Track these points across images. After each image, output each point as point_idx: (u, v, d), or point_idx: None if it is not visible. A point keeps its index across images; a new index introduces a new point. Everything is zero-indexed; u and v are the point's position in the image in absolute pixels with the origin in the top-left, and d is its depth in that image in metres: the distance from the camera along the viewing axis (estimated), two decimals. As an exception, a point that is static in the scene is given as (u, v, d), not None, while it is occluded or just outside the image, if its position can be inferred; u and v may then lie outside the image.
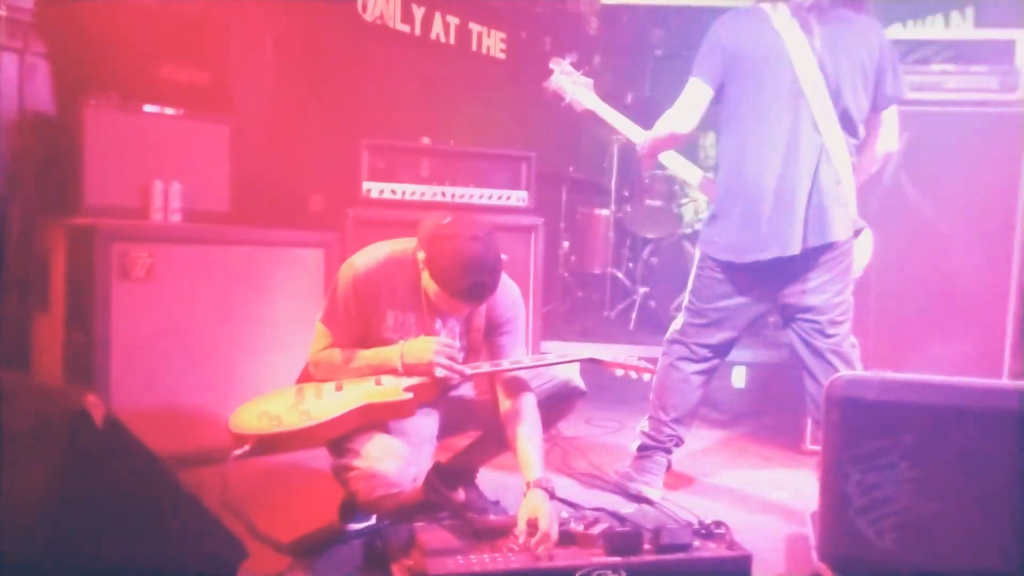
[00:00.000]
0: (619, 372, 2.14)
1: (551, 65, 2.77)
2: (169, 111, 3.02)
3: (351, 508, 2.10)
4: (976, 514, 1.73)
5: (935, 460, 1.74)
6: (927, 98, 2.99)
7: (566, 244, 4.95)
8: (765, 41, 2.38)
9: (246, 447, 1.90)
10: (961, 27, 4.05)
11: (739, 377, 4.02)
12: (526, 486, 1.95)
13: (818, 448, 2.71)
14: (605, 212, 4.79)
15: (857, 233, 2.45)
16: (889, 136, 2.51)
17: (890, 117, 2.49)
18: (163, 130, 2.98)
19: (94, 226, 2.51)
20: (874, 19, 2.50)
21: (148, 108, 2.97)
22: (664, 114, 2.50)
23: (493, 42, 4.88)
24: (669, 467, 2.67)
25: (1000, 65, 3.02)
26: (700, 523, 1.96)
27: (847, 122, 2.39)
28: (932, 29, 4.11)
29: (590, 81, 2.73)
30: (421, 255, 2.00)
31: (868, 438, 1.76)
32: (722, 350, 2.60)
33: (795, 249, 2.35)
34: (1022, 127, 3.00)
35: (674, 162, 2.66)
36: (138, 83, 2.98)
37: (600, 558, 1.77)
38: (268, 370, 2.76)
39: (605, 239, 4.74)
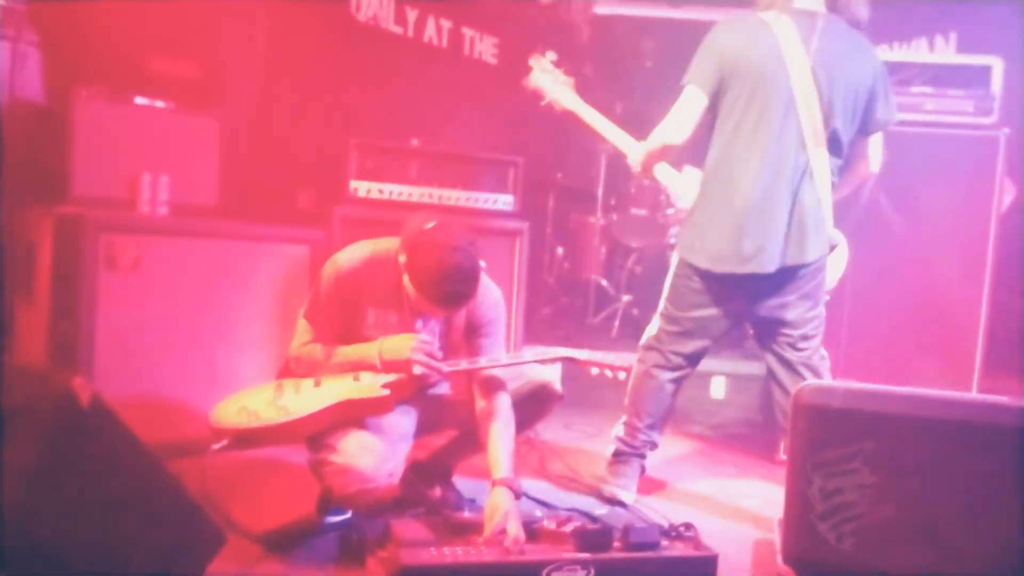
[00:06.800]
0: (594, 371, 2.17)
1: (531, 62, 2.67)
2: (159, 104, 3.03)
3: (328, 502, 2.12)
4: (932, 519, 1.78)
5: (894, 467, 1.79)
6: (906, 118, 3.05)
7: (560, 251, 4.99)
8: (765, 52, 2.33)
9: (224, 441, 1.93)
10: (944, 51, 4.15)
11: (718, 388, 4.05)
12: (491, 484, 1.98)
13: (789, 457, 2.77)
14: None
15: (831, 248, 2.48)
16: (872, 159, 2.51)
17: (875, 141, 2.50)
18: (153, 122, 2.98)
19: (82, 215, 2.52)
20: (868, 41, 2.44)
21: (139, 100, 2.99)
22: (658, 126, 2.46)
23: (485, 47, 4.90)
24: (643, 472, 2.70)
25: (977, 89, 3.10)
26: (670, 524, 2.00)
27: (834, 143, 2.38)
28: (916, 52, 4.20)
29: (571, 80, 2.65)
30: (402, 258, 2.02)
31: (831, 445, 1.82)
32: (695, 358, 2.63)
33: (772, 267, 2.36)
34: (997, 150, 3.08)
35: (669, 178, 2.59)
36: (129, 75, 3.00)
37: (570, 553, 1.80)
38: (251, 364, 2.78)
39: (596, 246, 4.79)
